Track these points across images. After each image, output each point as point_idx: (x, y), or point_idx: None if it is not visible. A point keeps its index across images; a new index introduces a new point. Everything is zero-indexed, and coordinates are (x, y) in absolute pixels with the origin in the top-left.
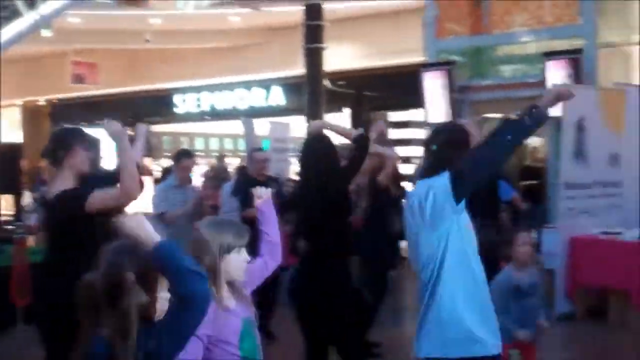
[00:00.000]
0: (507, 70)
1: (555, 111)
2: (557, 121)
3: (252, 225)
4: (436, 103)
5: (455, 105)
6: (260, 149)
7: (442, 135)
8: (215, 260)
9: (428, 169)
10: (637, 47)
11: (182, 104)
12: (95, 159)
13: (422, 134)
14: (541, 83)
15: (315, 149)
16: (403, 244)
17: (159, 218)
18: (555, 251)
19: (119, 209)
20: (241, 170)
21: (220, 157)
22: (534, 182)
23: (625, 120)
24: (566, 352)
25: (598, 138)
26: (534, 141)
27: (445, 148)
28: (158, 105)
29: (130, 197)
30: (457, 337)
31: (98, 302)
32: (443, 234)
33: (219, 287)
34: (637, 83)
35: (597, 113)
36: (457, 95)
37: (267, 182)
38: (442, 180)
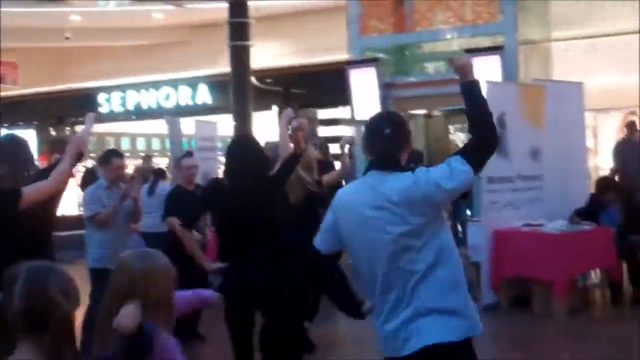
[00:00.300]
0: (430, 67)
1: None
2: None
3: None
4: (363, 100)
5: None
6: (188, 154)
7: (392, 119)
8: (169, 292)
9: (385, 155)
10: (555, 44)
11: (107, 103)
12: (28, 159)
13: (350, 131)
14: None
15: (247, 147)
16: None
17: (91, 219)
18: (479, 244)
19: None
20: (158, 172)
21: (147, 158)
22: None
23: (545, 115)
24: (494, 342)
25: (519, 133)
26: (457, 138)
27: (398, 132)
28: (82, 105)
29: (63, 185)
30: (475, 315)
31: (8, 327)
32: (440, 217)
33: (173, 318)
34: (556, 79)
35: (518, 108)
36: (382, 92)
37: (195, 191)
38: (439, 170)
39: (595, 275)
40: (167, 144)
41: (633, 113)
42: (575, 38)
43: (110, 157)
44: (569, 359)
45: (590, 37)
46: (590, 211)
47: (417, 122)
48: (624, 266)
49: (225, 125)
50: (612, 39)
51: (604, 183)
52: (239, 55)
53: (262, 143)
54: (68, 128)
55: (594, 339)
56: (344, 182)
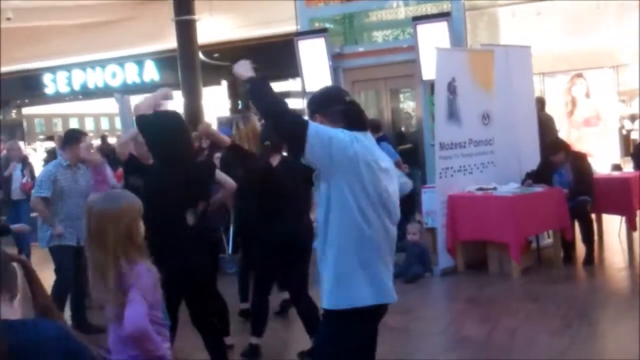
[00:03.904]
0: (379, 36)
1: (428, 75)
2: (430, 84)
3: None
4: (313, 71)
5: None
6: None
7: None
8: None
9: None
10: (502, 9)
11: (52, 83)
12: None
13: (301, 104)
14: (412, 47)
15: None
16: None
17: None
18: (434, 210)
19: None
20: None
21: (104, 138)
22: (409, 146)
23: (494, 80)
24: (452, 304)
25: (469, 98)
26: (407, 106)
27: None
28: (27, 87)
29: None
30: None
31: None
32: None
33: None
34: (503, 43)
35: (467, 74)
36: (331, 62)
37: None
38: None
39: (548, 236)
40: (117, 123)
41: (579, 76)
42: (520, 2)
43: (79, 137)
44: (524, 317)
45: (535, 0)
46: (541, 173)
47: (368, 92)
48: (576, 226)
49: (176, 102)
50: (556, 2)
51: (554, 145)
52: (185, 30)
53: (213, 118)
54: (14, 111)
55: (548, 298)
56: None
